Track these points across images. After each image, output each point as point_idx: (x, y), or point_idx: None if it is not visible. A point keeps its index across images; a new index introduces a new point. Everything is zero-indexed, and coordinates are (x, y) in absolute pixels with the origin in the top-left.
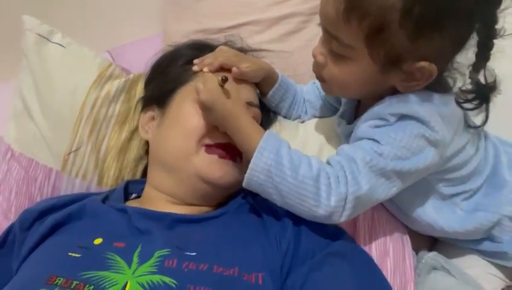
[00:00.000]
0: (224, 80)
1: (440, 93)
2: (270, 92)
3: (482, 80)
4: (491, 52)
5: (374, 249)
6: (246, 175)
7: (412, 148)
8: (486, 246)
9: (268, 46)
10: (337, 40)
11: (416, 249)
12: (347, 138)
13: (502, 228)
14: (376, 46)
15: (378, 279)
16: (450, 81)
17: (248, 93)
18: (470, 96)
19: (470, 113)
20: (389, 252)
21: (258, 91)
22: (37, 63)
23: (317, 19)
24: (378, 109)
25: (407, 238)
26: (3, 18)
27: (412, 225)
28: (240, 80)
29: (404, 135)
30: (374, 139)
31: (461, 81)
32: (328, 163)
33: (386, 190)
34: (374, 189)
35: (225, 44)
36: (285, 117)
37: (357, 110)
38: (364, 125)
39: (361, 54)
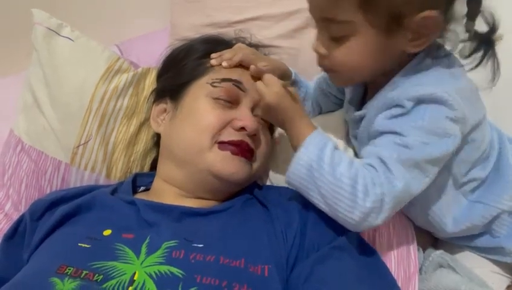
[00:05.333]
0: (287, 85)
1: (449, 68)
2: None
3: (484, 25)
4: None
5: (378, 243)
6: (289, 168)
7: (437, 132)
8: (484, 241)
9: (277, 41)
10: (334, 22)
11: (422, 246)
12: (356, 124)
13: (500, 222)
14: (373, 11)
15: (383, 273)
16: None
17: None
18: (472, 46)
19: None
20: (392, 246)
21: None
22: (46, 56)
23: None
24: (392, 95)
25: (412, 232)
26: (13, 11)
27: (413, 215)
28: (256, 78)
29: (424, 121)
30: (395, 132)
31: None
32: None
33: (420, 182)
34: (408, 185)
35: (236, 40)
36: None
37: (364, 95)
38: (381, 118)
39: (362, 25)
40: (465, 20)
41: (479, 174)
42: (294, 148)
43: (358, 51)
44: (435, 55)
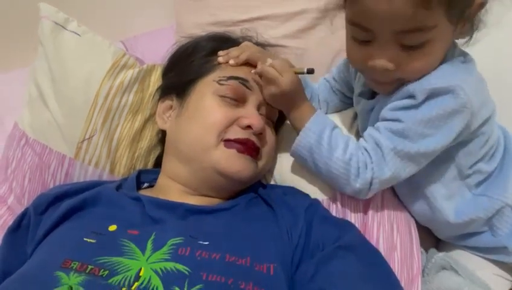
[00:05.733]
0: (310, 71)
1: (463, 63)
2: None
3: None
4: None
5: (382, 244)
6: (293, 146)
7: (439, 125)
8: (486, 241)
9: (283, 41)
10: (417, 31)
11: (424, 248)
12: (367, 114)
13: (503, 218)
14: (454, 8)
15: (386, 273)
16: None
17: None
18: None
19: None
20: (396, 247)
21: None
22: (52, 50)
23: (331, 16)
24: (408, 87)
25: (415, 233)
26: (20, 5)
27: (415, 208)
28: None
29: (431, 115)
30: (398, 121)
31: None
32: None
33: (412, 170)
34: (397, 173)
35: (243, 39)
36: None
37: None
38: (391, 106)
39: (443, 26)
40: None
41: (485, 168)
42: (297, 130)
43: (436, 52)
44: (452, 51)
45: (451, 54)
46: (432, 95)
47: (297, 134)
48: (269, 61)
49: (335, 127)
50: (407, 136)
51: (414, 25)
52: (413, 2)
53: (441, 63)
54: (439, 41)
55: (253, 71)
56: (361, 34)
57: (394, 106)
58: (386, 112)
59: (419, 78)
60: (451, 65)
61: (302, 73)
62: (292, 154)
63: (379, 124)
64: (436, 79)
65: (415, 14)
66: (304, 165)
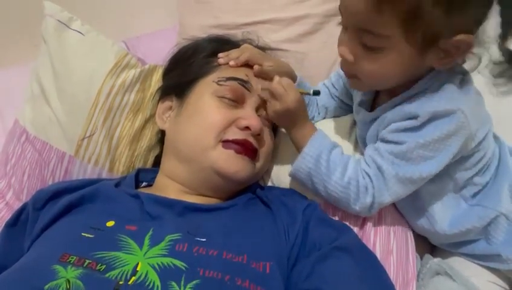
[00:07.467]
0: (304, 92)
1: (463, 84)
2: None
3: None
4: None
5: (378, 247)
6: (291, 170)
7: (439, 149)
8: (481, 248)
9: (284, 45)
10: (371, 33)
11: (419, 254)
12: (366, 125)
13: (498, 227)
14: (412, 30)
15: (381, 276)
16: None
17: None
18: (503, 67)
19: None
20: (392, 251)
21: None
22: (56, 48)
23: (333, 21)
24: (410, 108)
25: (411, 238)
26: (20, 2)
27: (411, 218)
28: (261, 78)
29: (433, 138)
30: (400, 144)
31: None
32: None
33: (410, 191)
34: (397, 195)
35: (244, 42)
36: None
37: (374, 97)
38: (393, 128)
39: (398, 41)
40: (498, 42)
41: (480, 180)
42: (298, 150)
43: (389, 64)
44: (452, 70)
45: (451, 72)
46: (433, 118)
47: (298, 152)
48: (277, 78)
49: (334, 147)
50: (409, 159)
51: (366, 26)
52: (367, 1)
53: (442, 84)
54: (394, 55)
55: (260, 86)
56: (341, 20)
57: (396, 128)
58: (387, 134)
59: (400, 93)
60: (451, 86)
61: (308, 94)
62: (291, 177)
63: (380, 145)
64: (438, 102)
65: (366, 14)
66: (304, 185)
